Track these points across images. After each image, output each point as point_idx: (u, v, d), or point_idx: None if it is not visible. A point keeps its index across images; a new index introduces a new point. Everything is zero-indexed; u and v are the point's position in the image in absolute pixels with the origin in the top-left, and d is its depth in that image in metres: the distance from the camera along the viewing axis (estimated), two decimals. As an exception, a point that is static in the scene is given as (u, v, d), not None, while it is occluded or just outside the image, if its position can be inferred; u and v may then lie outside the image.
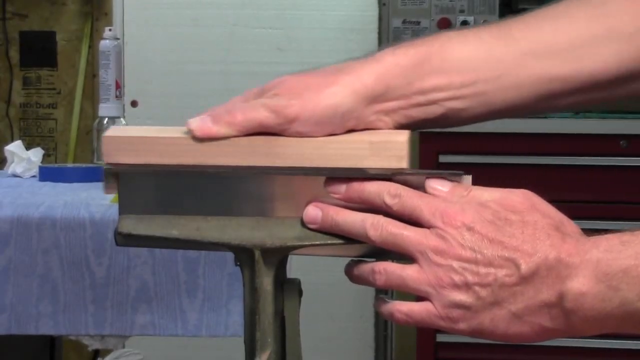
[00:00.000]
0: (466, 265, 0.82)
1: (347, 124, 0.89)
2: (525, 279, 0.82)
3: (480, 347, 2.99)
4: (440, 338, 3.01)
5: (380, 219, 0.85)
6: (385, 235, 0.84)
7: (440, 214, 0.84)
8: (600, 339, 2.95)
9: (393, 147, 0.87)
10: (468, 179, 0.88)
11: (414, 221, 0.85)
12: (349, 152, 0.87)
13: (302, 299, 0.90)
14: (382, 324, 3.62)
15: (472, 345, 2.99)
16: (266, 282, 0.87)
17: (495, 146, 2.91)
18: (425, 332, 3.01)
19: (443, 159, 2.93)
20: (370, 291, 3.61)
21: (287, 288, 0.89)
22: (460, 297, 0.83)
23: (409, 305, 0.85)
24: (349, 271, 0.88)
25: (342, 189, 0.86)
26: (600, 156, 2.88)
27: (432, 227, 0.84)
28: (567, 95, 0.96)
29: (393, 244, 0.84)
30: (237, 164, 0.86)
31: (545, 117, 2.96)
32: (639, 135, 2.87)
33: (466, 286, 0.83)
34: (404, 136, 0.88)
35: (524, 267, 0.82)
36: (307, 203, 0.87)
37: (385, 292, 3.62)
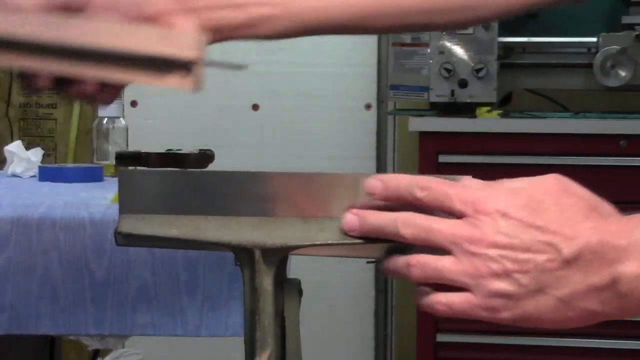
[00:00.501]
0: (503, 252, 0.81)
1: (149, 12, 0.90)
2: (569, 263, 0.80)
3: (480, 347, 2.99)
4: (440, 338, 3.01)
5: (409, 216, 0.83)
6: (417, 231, 0.83)
7: (471, 202, 0.82)
8: (602, 339, 2.94)
9: (183, 36, 0.90)
10: (468, 179, 0.88)
11: (445, 212, 0.83)
12: (142, 37, 0.89)
13: (302, 299, 0.90)
14: (382, 324, 3.62)
15: (472, 345, 2.99)
16: (266, 282, 0.86)
17: (495, 146, 2.91)
18: (425, 332, 3.01)
19: (443, 159, 2.93)
20: (370, 291, 3.60)
21: (287, 288, 0.89)
22: (501, 285, 0.81)
23: (449, 297, 0.83)
24: (382, 264, 0.87)
25: (379, 188, 0.85)
26: (600, 156, 2.88)
27: (464, 216, 0.82)
28: (386, 19, 0.96)
29: (426, 240, 0.83)
30: (37, 36, 0.89)
31: (545, 117, 2.96)
32: (639, 135, 2.87)
33: (506, 274, 0.81)
34: (195, 30, 0.91)
35: (566, 251, 0.80)
36: (311, 204, 0.87)
37: (384, 290, 3.62)
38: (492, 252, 0.81)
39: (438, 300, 0.84)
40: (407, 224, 0.83)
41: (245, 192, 0.88)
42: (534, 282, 0.81)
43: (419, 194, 0.83)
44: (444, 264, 0.82)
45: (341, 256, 0.89)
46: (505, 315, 0.82)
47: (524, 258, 0.80)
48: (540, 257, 0.80)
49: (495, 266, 0.81)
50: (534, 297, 0.81)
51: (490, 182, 0.85)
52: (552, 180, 0.84)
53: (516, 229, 0.81)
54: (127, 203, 0.89)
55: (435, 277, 0.83)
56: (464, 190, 0.83)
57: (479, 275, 0.81)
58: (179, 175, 0.88)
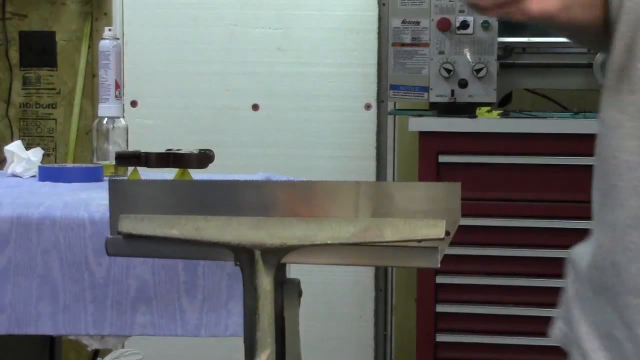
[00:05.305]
0: None
1: None
2: None
3: (480, 347, 2.99)
4: (440, 338, 3.01)
5: None
6: None
7: None
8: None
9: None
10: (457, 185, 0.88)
11: None
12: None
13: (302, 299, 0.90)
14: (382, 324, 3.62)
15: (472, 345, 2.99)
16: (266, 282, 0.87)
17: (495, 146, 2.91)
18: (425, 332, 3.01)
19: (443, 159, 2.93)
20: (370, 291, 3.60)
21: (287, 288, 0.89)
22: None
23: None
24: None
25: None
26: (600, 156, 2.88)
27: None
28: None
29: None
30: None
31: (545, 118, 2.96)
32: (638, 135, 2.86)
33: None
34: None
35: None
36: (309, 213, 0.87)
37: (384, 290, 3.62)
38: None
39: None
40: None
41: (244, 202, 0.88)
42: None
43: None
44: None
45: (339, 264, 0.89)
46: None
47: None
48: None
49: None
50: None
51: None
52: None
53: None
54: (126, 204, 0.89)
55: None
56: None
57: None
58: (171, 186, 0.88)
